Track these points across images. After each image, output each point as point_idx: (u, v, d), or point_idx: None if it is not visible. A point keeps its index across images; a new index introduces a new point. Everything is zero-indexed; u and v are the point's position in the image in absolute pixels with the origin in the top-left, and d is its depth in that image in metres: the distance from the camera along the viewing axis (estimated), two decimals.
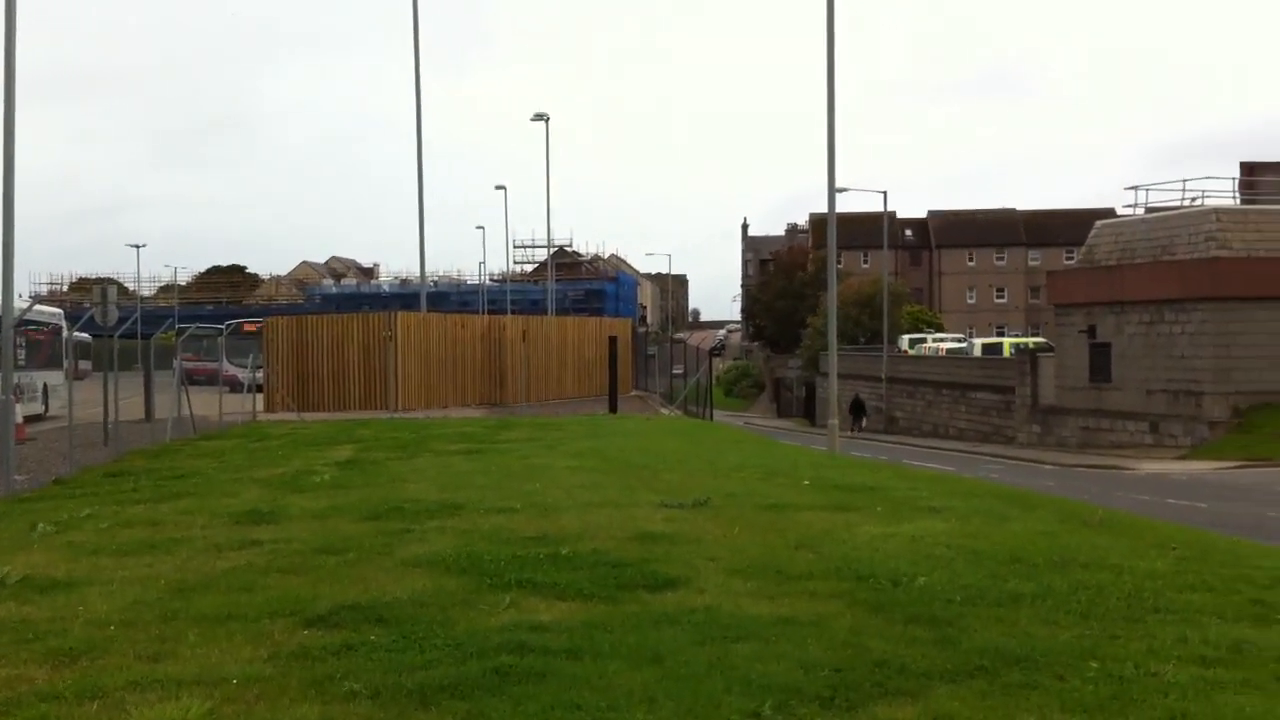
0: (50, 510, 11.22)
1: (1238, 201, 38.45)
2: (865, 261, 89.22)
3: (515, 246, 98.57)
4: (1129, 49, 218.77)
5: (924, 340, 62.20)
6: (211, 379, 30.81)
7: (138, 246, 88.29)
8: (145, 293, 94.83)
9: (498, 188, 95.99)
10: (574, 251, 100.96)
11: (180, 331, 26.48)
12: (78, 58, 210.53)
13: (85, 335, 35.81)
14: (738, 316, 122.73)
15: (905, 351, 59.55)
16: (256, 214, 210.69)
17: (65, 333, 28.25)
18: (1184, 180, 37.83)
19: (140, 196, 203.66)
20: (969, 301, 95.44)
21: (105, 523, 10.13)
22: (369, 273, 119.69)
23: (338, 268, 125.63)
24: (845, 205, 50.75)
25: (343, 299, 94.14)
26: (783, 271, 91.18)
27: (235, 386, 30.59)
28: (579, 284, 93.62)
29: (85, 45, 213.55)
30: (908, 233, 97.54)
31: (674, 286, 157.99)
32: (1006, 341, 57.43)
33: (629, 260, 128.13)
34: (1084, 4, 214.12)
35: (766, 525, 9.41)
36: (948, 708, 4.72)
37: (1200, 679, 5.10)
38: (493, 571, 7.39)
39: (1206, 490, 24.01)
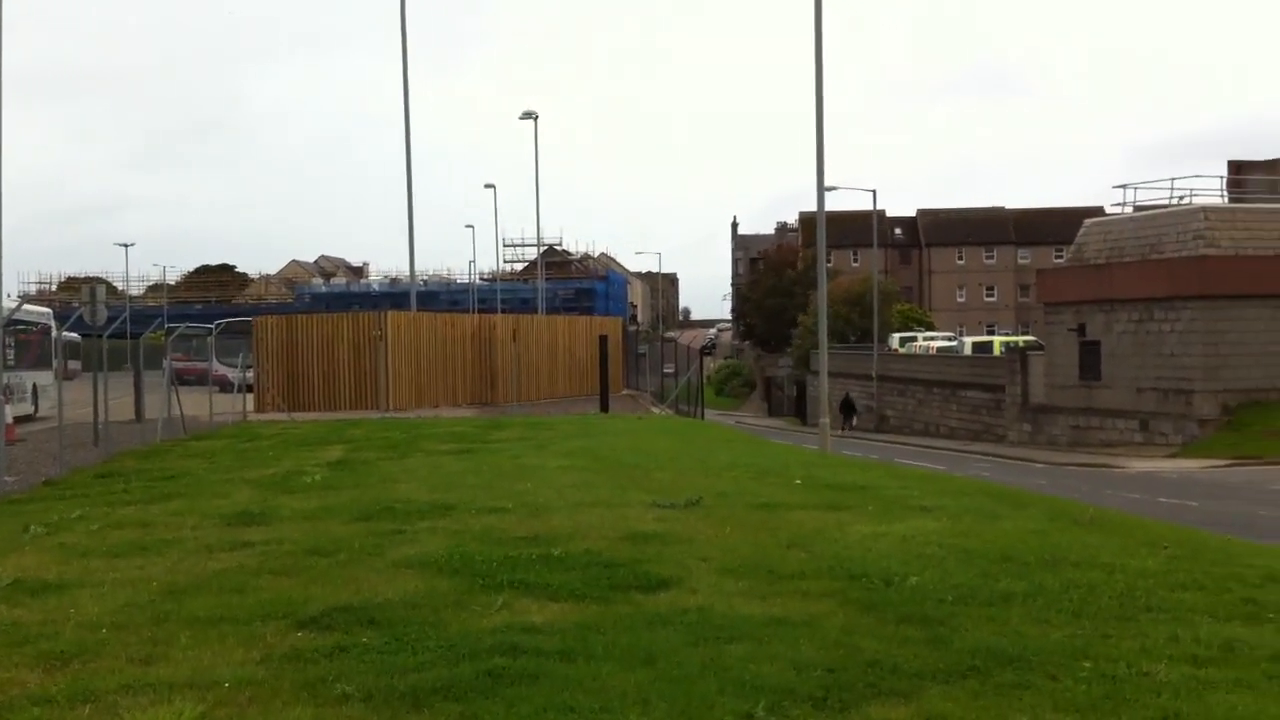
0: (41, 512, 11.18)
1: (1225, 200, 38.58)
2: (855, 260, 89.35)
3: (505, 245, 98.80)
4: (1122, 49, 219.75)
5: (914, 339, 62.21)
6: (201, 379, 30.68)
7: (126, 246, 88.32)
8: (134, 292, 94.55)
9: (487, 186, 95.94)
10: (564, 250, 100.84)
11: (170, 331, 26.36)
12: (67, 57, 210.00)
13: (74, 335, 35.62)
14: (728, 315, 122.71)
15: (896, 350, 59.58)
16: (245, 214, 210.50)
17: (54, 332, 28.14)
18: (1172, 179, 37.95)
19: (128, 196, 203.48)
20: (959, 300, 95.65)
21: (96, 524, 10.10)
22: (358, 272, 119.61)
23: (327, 267, 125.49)
24: (835, 204, 50.94)
25: (332, 298, 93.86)
26: (773, 270, 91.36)
27: (225, 386, 30.50)
28: (569, 283, 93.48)
29: (76, 45, 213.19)
30: (897, 231, 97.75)
31: (664, 285, 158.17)
32: (997, 340, 57.44)
33: (619, 259, 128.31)
34: (1080, 4, 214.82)
35: (758, 525, 9.40)
36: (940, 708, 4.73)
37: (1192, 678, 5.11)
38: (484, 572, 7.38)
39: (1197, 488, 24.09)
